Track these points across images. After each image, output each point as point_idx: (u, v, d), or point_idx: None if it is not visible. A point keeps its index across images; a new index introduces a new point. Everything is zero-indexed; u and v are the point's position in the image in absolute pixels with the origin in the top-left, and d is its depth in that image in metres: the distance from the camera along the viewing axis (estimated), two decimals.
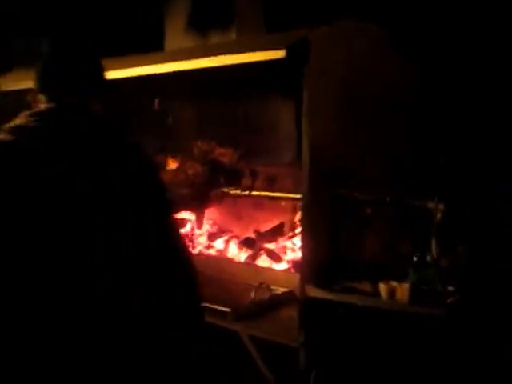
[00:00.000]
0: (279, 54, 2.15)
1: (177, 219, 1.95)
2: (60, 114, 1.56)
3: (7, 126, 1.51)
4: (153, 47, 3.36)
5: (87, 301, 1.46)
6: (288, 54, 2.13)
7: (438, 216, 2.28)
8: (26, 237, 1.43)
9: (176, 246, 1.66)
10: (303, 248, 2.51)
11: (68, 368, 1.45)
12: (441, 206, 2.30)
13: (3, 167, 1.46)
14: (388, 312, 2.18)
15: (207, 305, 2.57)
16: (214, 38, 3.19)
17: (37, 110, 1.58)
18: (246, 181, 3.20)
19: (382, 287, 2.23)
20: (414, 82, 2.78)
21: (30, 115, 1.53)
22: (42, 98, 1.62)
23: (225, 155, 3.30)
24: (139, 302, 1.53)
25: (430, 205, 2.32)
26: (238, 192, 3.21)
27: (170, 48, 3.38)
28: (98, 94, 1.69)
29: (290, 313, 2.54)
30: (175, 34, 3.37)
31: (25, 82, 2.90)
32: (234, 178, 3.25)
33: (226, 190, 3.25)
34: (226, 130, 3.35)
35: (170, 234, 1.65)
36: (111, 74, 2.74)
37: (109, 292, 1.48)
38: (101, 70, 1.72)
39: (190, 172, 3.35)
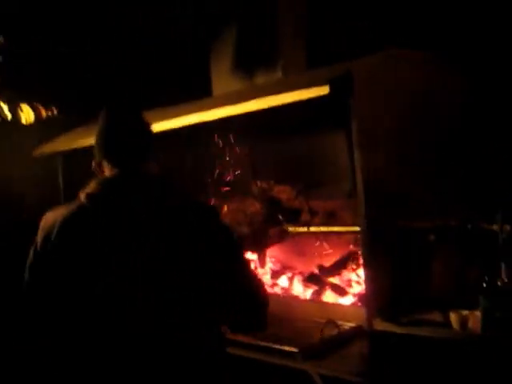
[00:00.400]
0: (323, 90, 2.15)
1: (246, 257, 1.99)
2: (124, 180, 1.77)
3: (81, 193, 1.77)
4: (200, 91, 3.44)
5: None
6: (331, 89, 2.13)
7: (504, 238, 2.19)
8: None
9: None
10: (367, 281, 2.46)
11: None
12: (507, 228, 2.21)
13: (74, 230, 1.75)
14: (461, 343, 2.09)
15: (275, 345, 2.57)
16: (261, 78, 3.24)
17: (103, 177, 1.80)
18: (305, 216, 3.19)
19: (453, 317, 2.15)
20: (468, 103, 2.72)
21: (99, 183, 1.76)
22: (105, 164, 1.80)
23: (283, 192, 3.30)
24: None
25: (495, 227, 2.24)
26: (298, 229, 3.20)
27: (217, 91, 3.46)
28: (152, 154, 1.84)
29: (360, 348, 2.48)
30: (222, 77, 3.45)
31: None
32: (294, 215, 3.24)
33: (286, 227, 3.25)
34: (280, 168, 3.36)
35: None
36: (162, 125, 2.84)
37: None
38: (151, 131, 1.87)
39: (250, 210, 3.36)
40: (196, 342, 1.73)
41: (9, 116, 2.65)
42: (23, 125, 2.83)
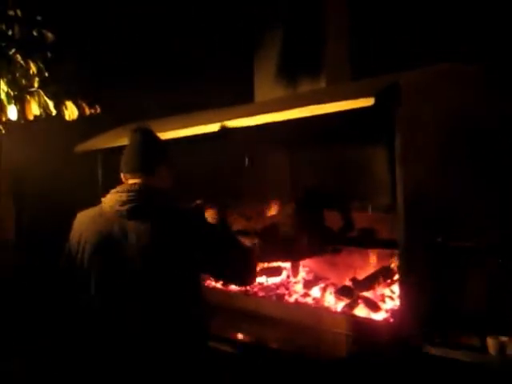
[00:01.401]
0: (368, 101, 2.12)
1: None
2: (141, 189, 2.23)
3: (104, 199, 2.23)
4: (243, 98, 3.44)
5: None
6: (377, 101, 2.10)
7: None
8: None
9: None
10: (402, 299, 2.41)
11: None
12: None
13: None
14: (497, 370, 2.03)
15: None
16: (304, 87, 3.22)
17: (126, 186, 2.25)
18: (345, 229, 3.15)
19: (491, 342, 2.09)
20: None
21: (122, 191, 2.21)
22: (128, 175, 2.30)
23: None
24: None
25: None
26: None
27: (260, 98, 3.45)
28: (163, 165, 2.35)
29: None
30: (265, 83, 3.44)
31: None
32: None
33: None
34: (319, 177, 3.33)
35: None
36: (203, 129, 2.85)
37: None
38: (161, 149, 2.39)
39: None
40: (180, 335, 2.15)
41: (53, 112, 2.69)
42: (67, 121, 2.86)
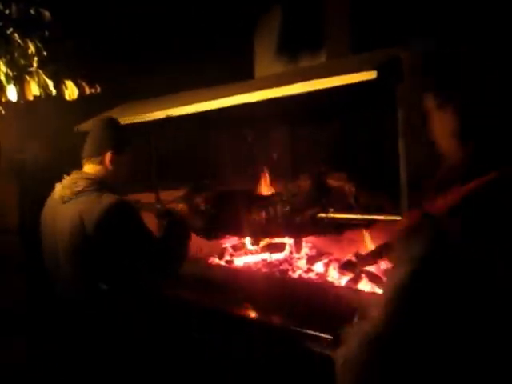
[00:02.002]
0: (370, 75, 2.09)
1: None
2: (78, 177, 2.57)
3: None
4: (243, 73, 3.42)
5: None
6: (379, 74, 2.08)
7: None
8: None
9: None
10: None
11: None
12: None
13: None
14: None
15: (309, 331, 2.56)
16: (304, 62, 3.20)
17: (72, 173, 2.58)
18: (350, 201, 3.14)
19: None
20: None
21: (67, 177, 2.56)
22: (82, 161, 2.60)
23: (337, 180, 3.22)
24: None
25: None
26: (340, 216, 3.15)
27: (260, 74, 3.43)
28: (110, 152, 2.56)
29: None
30: (265, 60, 3.42)
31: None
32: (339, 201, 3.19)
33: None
34: (321, 152, 3.32)
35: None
36: (204, 106, 2.83)
37: None
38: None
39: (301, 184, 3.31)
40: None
41: (53, 92, 2.67)
42: (67, 101, 2.85)
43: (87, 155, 2.54)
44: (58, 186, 2.50)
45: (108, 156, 2.50)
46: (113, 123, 2.62)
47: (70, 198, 2.41)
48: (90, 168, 2.52)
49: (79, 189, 2.40)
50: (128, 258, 2.39)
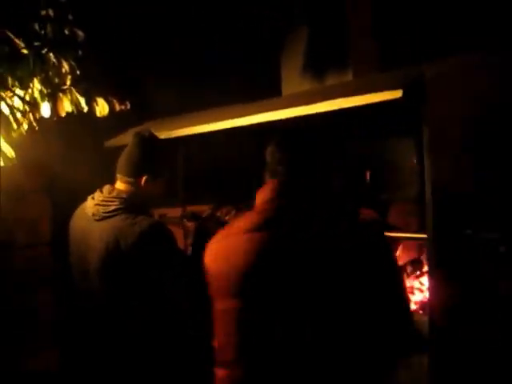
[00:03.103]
0: (396, 94, 2.12)
1: None
2: (114, 195, 2.47)
3: None
4: (270, 91, 3.46)
5: None
6: (405, 93, 2.10)
7: None
8: None
9: None
10: (431, 291, 2.41)
11: None
12: None
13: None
14: None
15: None
16: (331, 80, 3.23)
17: (106, 188, 2.47)
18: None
19: None
20: None
21: (100, 192, 2.49)
22: (117, 176, 2.50)
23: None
24: None
25: None
26: None
27: (287, 92, 3.47)
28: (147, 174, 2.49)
29: (420, 359, 2.44)
30: (292, 78, 3.46)
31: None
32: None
33: None
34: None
35: None
36: (230, 123, 2.88)
37: None
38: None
39: None
40: None
41: (85, 108, 2.74)
42: (98, 117, 2.91)
43: (122, 173, 2.47)
44: (90, 202, 2.45)
45: (143, 179, 2.43)
46: (152, 142, 2.53)
47: (103, 216, 2.36)
48: (122, 186, 2.46)
49: (112, 208, 2.36)
50: (161, 279, 2.29)
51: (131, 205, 2.37)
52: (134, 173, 2.44)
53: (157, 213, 3.72)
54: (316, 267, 1.61)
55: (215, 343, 1.79)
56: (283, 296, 1.64)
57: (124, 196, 2.40)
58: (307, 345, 1.62)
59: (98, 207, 2.38)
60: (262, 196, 1.80)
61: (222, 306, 1.76)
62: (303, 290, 1.62)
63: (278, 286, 1.64)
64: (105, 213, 2.36)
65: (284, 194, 1.75)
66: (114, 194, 2.41)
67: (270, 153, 1.85)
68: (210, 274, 1.82)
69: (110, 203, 2.38)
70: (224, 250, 1.79)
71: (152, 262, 2.25)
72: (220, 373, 1.75)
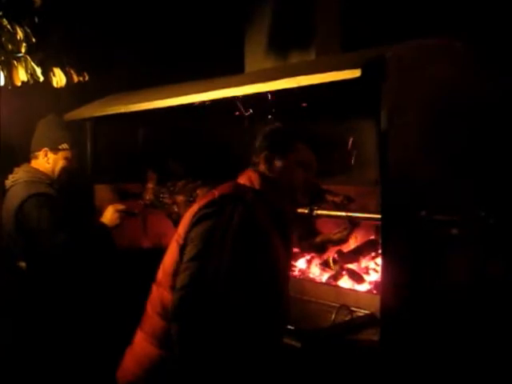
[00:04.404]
0: (354, 73, 2.11)
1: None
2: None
3: None
4: (233, 69, 3.43)
5: None
6: (363, 73, 2.09)
7: None
8: None
9: None
10: (384, 269, 2.44)
11: None
12: None
13: None
14: None
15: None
16: (294, 58, 3.21)
17: None
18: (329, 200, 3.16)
19: None
20: (505, 105, 2.66)
21: None
22: None
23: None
24: None
25: None
26: (322, 212, 3.17)
27: (250, 69, 3.44)
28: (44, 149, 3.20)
29: (371, 336, 2.48)
30: (255, 55, 3.42)
31: None
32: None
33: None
34: None
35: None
36: (193, 98, 2.84)
37: None
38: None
39: None
40: None
41: (41, 78, 2.67)
42: (55, 88, 2.85)
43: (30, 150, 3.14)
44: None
45: (43, 153, 3.07)
46: (51, 121, 3.12)
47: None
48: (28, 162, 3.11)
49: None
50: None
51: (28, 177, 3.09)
52: (34, 149, 3.11)
53: (117, 188, 3.69)
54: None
55: None
56: None
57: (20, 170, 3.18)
58: None
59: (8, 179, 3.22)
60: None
61: None
62: None
63: None
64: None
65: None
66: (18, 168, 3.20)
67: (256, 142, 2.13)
68: None
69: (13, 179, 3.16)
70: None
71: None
72: None
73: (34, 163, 3.02)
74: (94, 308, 3.11)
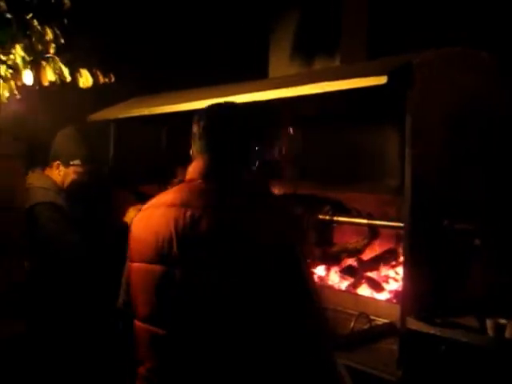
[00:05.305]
0: (381, 80, 2.11)
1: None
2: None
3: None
4: (257, 74, 3.44)
5: None
6: (390, 79, 2.09)
7: None
8: None
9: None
10: (405, 279, 2.42)
11: None
12: None
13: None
14: (494, 351, 2.04)
15: None
16: (319, 65, 3.21)
17: None
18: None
19: (490, 324, 2.10)
20: None
21: None
22: None
23: None
24: None
25: None
26: (341, 219, 3.17)
27: (274, 75, 3.45)
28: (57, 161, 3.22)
29: (390, 345, 2.46)
30: (280, 60, 3.43)
31: None
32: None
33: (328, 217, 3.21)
34: (328, 156, 3.34)
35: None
36: (213, 102, 2.85)
37: None
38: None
39: None
40: None
41: (68, 78, 2.70)
42: (81, 89, 2.88)
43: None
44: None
45: (56, 165, 3.11)
46: (69, 134, 3.15)
47: None
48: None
49: None
50: None
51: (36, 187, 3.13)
52: (50, 160, 3.16)
53: (135, 189, 3.71)
54: (219, 246, 1.63)
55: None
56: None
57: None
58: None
59: None
60: (189, 172, 1.81)
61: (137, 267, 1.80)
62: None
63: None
64: None
65: (207, 172, 1.75)
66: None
67: (195, 129, 1.83)
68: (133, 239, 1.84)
69: None
70: (146, 220, 1.81)
71: None
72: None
73: (49, 171, 3.13)
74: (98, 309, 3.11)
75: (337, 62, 3.13)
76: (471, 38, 3.00)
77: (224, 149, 1.78)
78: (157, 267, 1.70)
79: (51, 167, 3.14)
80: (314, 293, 1.64)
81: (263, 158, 1.86)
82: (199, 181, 1.75)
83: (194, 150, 1.82)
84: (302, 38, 3.34)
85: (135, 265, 1.79)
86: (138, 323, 1.76)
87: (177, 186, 1.84)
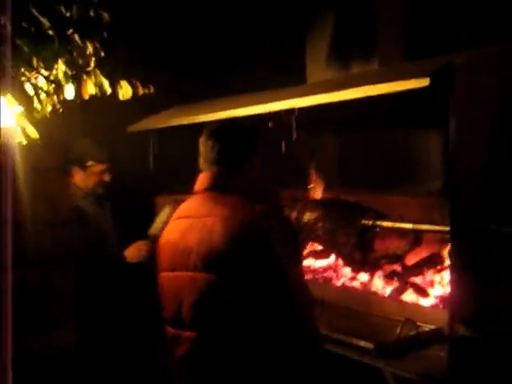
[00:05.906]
0: (423, 82, 2.07)
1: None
2: None
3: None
4: (295, 80, 3.42)
5: None
6: (432, 82, 2.05)
7: None
8: None
9: None
10: (452, 284, 2.37)
11: None
12: None
13: None
14: None
15: (350, 339, 2.54)
16: (356, 69, 3.18)
17: None
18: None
19: None
20: None
21: None
22: None
23: None
24: None
25: None
26: (386, 224, 3.13)
27: (312, 80, 3.43)
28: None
29: (438, 352, 2.41)
30: (317, 65, 3.42)
31: None
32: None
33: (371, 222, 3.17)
34: (369, 161, 3.30)
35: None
36: (254, 109, 2.85)
37: None
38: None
39: None
40: None
41: (108, 91, 2.73)
42: (121, 101, 2.90)
43: None
44: None
45: (76, 171, 3.43)
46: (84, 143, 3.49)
47: None
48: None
49: None
50: None
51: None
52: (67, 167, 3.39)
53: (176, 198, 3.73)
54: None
55: None
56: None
57: None
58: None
59: None
60: (198, 184, 2.07)
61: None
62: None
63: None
64: None
65: (215, 183, 2.01)
66: None
67: (202, 142, 2.11)
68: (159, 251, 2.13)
69: None
70: (167, 233, 2.12)
71: None
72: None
73: (71, 179, 3.37)
74: None
75: (374, 65, 3.10)
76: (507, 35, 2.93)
77: (228, 161, 2.02)
78: (179, 274, 1.96)
79: (72, 176, 3.38)
80: (300, 288, 1.94)
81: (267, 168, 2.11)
82: (208, 192, 2.01)
83: (201, 163, 2.09)
84: (339, 41, 3.32)
85: (163, 274, 2.06)
86: (168, 328, 2.03)
87: (189, 199, 2.10)
